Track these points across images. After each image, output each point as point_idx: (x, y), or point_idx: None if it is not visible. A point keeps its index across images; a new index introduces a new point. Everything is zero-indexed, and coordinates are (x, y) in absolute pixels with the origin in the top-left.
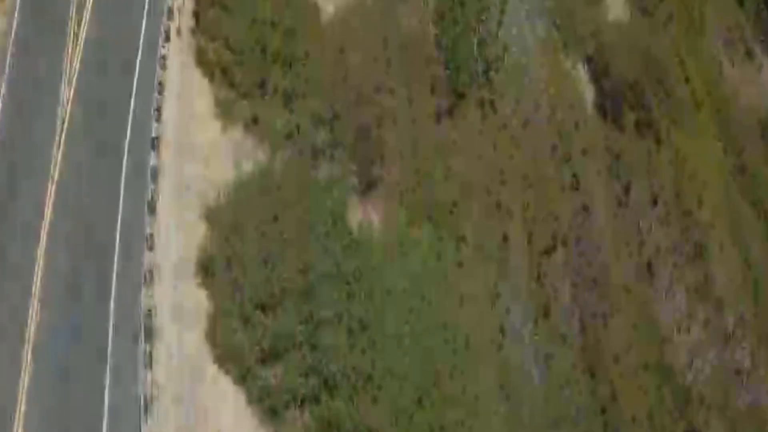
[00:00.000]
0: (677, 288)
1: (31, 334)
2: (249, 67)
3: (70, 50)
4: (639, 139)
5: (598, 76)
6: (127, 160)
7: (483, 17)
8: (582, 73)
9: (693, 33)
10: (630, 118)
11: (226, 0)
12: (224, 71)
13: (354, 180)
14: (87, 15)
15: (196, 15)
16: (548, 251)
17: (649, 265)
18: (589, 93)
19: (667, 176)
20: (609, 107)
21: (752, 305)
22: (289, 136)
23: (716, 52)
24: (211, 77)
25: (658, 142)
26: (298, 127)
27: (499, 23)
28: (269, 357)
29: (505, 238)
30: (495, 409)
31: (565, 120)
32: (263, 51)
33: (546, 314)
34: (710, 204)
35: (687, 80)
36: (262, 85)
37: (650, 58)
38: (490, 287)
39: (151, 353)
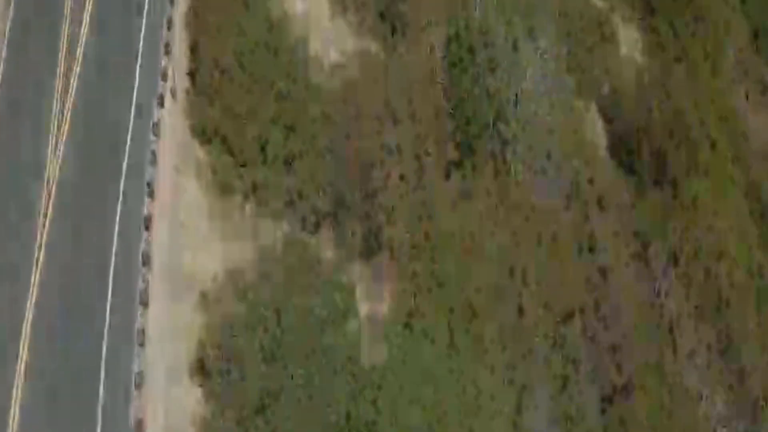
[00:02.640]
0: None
1: None
2: (248, 133)
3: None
4: (654, 185)
5: (611, 119)
6: (118, 242)
7: (493, 65)
8: (595, 117)
9: (707, 68)
10: (644, 163)
11: (224, 61)
12: (222, 137)
13: (358, 245)
14: (73, 85)
15: (192, 76)
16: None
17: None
18: (602, 137)
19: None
20: (623, 153)
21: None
22: (290, 203)
23: (730, 86)
24: (207, 144)
25: (675, 188)
26: (299, 193)
27: (510, 71)
28: None
29: None
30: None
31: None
32: (263, 115)
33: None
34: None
35: (701, 119)
36: (261, 150)
37: (664, 98)
38: None
39: None
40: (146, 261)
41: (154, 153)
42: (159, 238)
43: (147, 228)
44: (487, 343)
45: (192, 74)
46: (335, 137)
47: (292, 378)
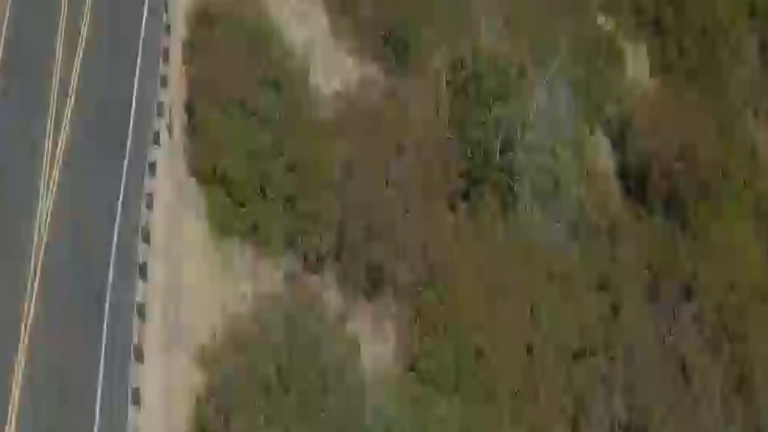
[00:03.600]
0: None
1: None
2: (247, 171)
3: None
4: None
5: (618, 144)
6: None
7: (500, 92)
8: (602, 141)
9: (717, 92)
10: (654, 191)
11: (221, 95)
12: (221, 177)
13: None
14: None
15: (190, 111)
16: None
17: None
18: (609, 163)
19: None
20: (631, 180)
21: None
22: (290, 242)
23: (739, 108)
24: (205, 184)
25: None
26: (300, 232)
27: (518, 98)
28: None
29: None
30: None
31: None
32: (261, 152)
33: None
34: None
35: (712, 145)
36: (261, 189)
37: (674, 125)
38: None
39: None
40: (141, 315)
41: (150, 194)
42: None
43: (143, 276)
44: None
45: (189, 111)
46: (337, 172)
47: None
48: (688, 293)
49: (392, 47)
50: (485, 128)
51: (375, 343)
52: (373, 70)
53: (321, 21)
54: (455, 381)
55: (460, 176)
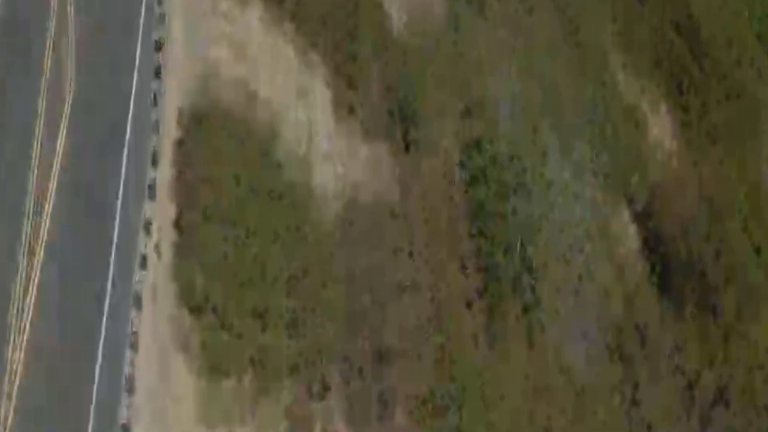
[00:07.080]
0: None
1: None
2: (244, 298)
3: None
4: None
5: (643, 219)
6: None
7: (520, 179)
8: (627, 221)
9: (743, 151)
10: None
11: (214, 210)
12: (214, 308)
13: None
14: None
15: (180, 228)
16: None
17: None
18: (635, 242)
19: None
20: (657, 262)
21: None
22: (294, 368)
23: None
24: (197, 315)
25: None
26: (305, 360)
27: (539, 184)
28: None
29: None
30: None
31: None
32: (260, 275)
33: None
34: None
35: (740, 213)
36: (260, 317)
37: (701, 198)
38: None
39: None
40: None
41: (134, 334)
42: None
43: None
44: None
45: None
46: (343, 287)
47: None
48: (724, 399)
49: (400, 122)
50: (504, 221)
51: None
52: (380, 150)
53: (323, 96)
54: None
55: (477, 272)
